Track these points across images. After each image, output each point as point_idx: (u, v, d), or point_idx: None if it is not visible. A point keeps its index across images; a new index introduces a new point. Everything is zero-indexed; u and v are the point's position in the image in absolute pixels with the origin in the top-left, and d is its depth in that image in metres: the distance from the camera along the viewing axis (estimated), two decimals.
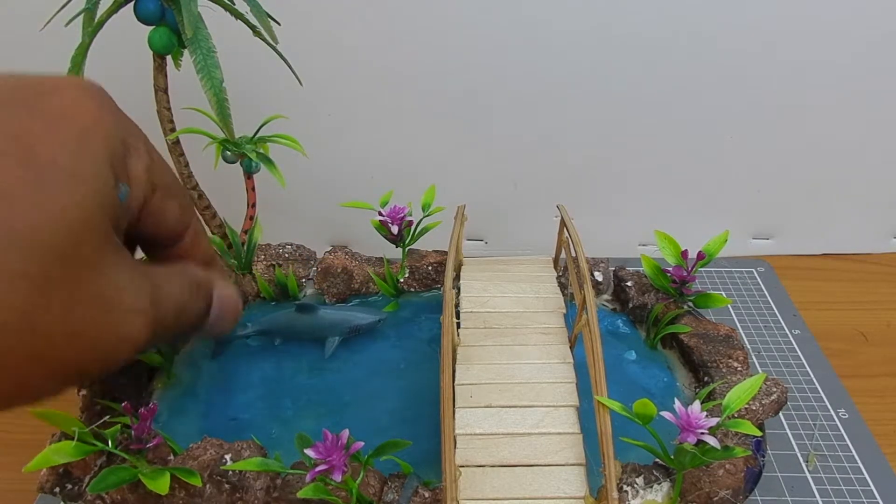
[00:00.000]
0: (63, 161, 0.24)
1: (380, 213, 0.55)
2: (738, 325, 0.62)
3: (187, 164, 0.50)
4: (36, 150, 0.23)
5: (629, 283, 0.55)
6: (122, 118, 0.28)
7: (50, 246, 0.23)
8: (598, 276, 0.56)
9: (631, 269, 0.56)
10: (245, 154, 0.50)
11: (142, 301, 0.28)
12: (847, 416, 0.52)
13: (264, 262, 0.57)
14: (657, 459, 0.38)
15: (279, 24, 0.47)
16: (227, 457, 0.38)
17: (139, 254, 0.32)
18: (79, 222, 0.24)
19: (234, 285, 0.37)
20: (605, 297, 0.57)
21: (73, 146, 0.24)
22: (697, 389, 0.47)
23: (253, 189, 0.54)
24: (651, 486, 0.38)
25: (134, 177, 0.28)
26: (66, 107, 0.25)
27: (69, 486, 0.39)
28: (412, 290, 0.58)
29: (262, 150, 0.51)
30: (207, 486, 0.37)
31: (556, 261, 0.57)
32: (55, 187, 0.23)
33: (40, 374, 0.25)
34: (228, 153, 0.50)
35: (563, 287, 0.53)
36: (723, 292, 0.66)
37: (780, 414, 0.51)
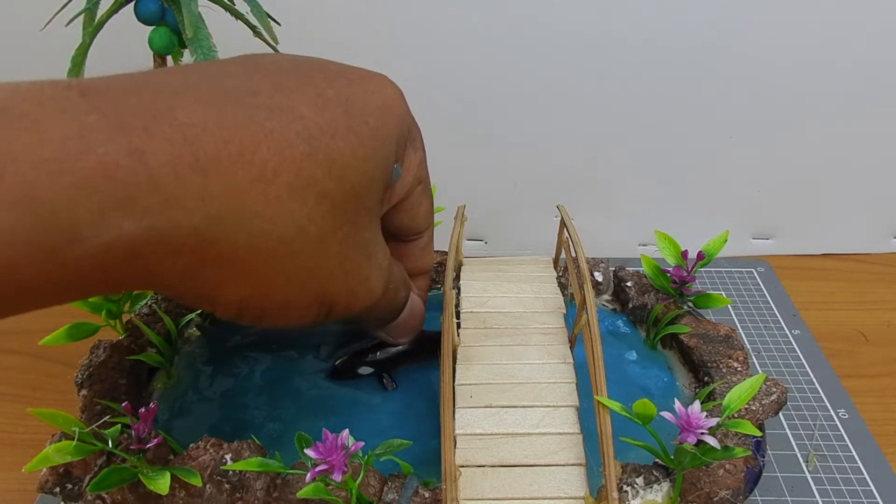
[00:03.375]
0: (372, 122, 0.28)
1: None
2: (738, 326, 0.62)
3: None
4: (355, 108, 0.28)
5: (629, 283, 0.55)
6: (410, 114, 0.32)
7: (352, 182, 0.27)
8: (598, 276, 0.56)
9: (631, 269, 0.56)
10: None
11: (385, 266, 0.31)
12: (847, 416, 0.52)
13: None
14: (657, 459, 0.38)
15: (279, 24, 0.47)
16: (227, 457, 0.38)
17: None
18: (371, 174, 0.28)
19: (422, 303, 0.41)
20: (605, 297, 0.57)
21: (379, 115, 0.28)
22: (697, 389, 0.47)
23: None
24: (651, 486, 0.38)
25: (407, 164, 0.31)
26: (377, 86, 0.30)
27: (69, 486, 0.39)
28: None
29: None
30: (207, 486, 0.37)
31: (556, 261, 0.57)
32: (363, 139, 0.27)
33: (309, 294, 0.28)
34: None
35: (563, 287, 0.53)
36: (723, 292, 0.66)
37: (780, 414, 0.51)
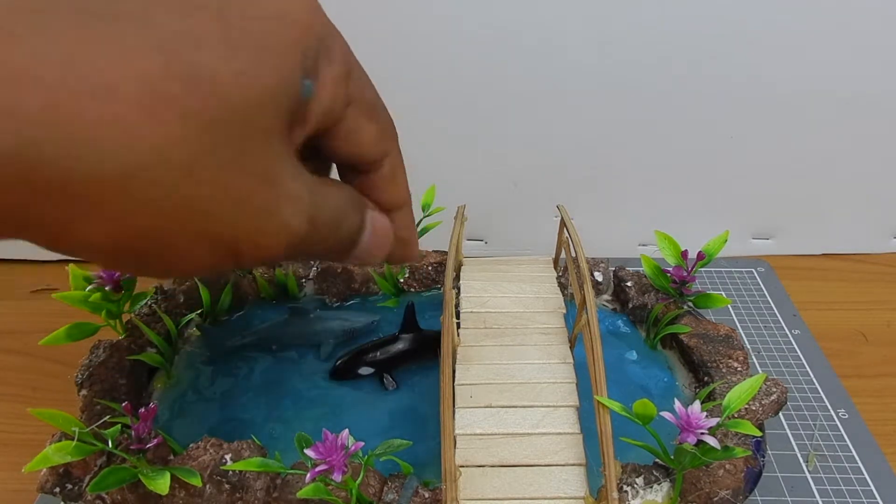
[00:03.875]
0: (256, 31, 0.24)
1: None
2: (738, 325, 0.62)
3: None
4: (233, 14, 0.23)
5: (629, 283, 0.55)
6: (326, 22, 0.28)
7: (226, 98, 0.23)
8: (598, 276, 0.56)
9: (631, 269, 0.56)
10: None
11: (304, 194, 0.27)
12: (847, 416, 0.52)
13: None
14: (657, 459, 0.38)
15: None
16: (227, 457, 0.38)
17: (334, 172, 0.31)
18: (256, 90, 0.24)
19: (387, 219, 0.35)
20: (605, 297, 0.57)
21: (269, 23, 0.24)
22: (697, 389, 0.47)
23: None
24: (651, 486, 0.38)
25: (323, 79, 0.27)
26: None
27: (69, 486, 0.39)
28: (412, 289, 0.58)
29: None
30: (207, 486, 0.37)
31: (556, 261, 0.57)
32: (239, 50, 0.23)
33: (190, 231, 0.25)
34: None
35: (563, 287, 0.53)
36: (723, 292, 0.66)
37: (780, 414, 0.51)
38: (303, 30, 0.26)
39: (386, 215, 0.34)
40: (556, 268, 0.56)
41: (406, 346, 0.50)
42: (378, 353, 0.49)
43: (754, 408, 0.42)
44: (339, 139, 0.30)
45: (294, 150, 0.27)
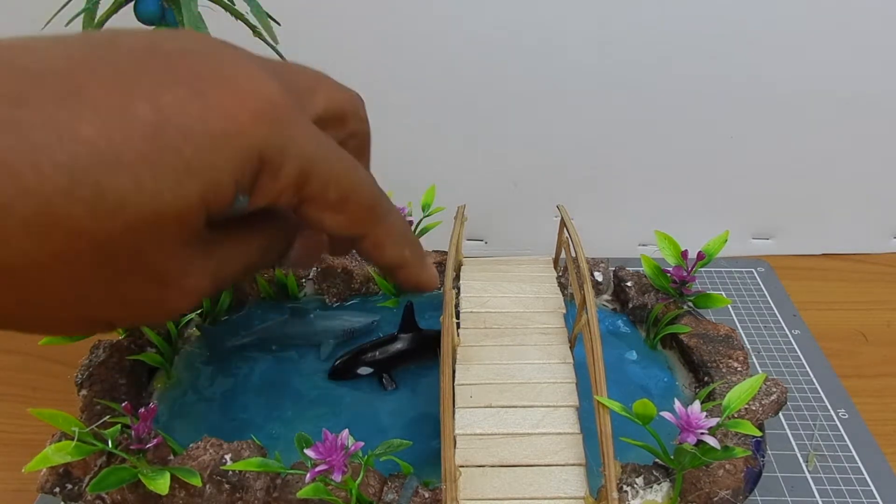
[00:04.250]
0: (188, 152, 0.23)
1: None
2: (738, 325, 0.62)
3: None
4: (170, 132, 0.22)
5: (629, 283, 0.55)
6: (276, 136, 0.26)
7: (131, 219, 0.22)
8: (598, 276, 0.56)
9: (631, 269, 0.56)
10: None
11: (202, 283, 0.27)
12: (847, 416, 0.52)
13: None
14: (657, 459, 0.38)
15: (279, 24, 0.47)
16: (227, 457, 0.38)
17: None
18: (169, 214, 0.23)
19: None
20: (605, 297, 0.57)
21: (207, 142, 0.23)
22: (697, 389, 0.47)
23: None
24: (651, 487, 0.38)
25: (261, 192, 0.26)
26: (230, 102, 0.24)
27: (69, 486, 0.39)
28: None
29: None
30: (207, 486, 0.37)
31: (556, 261, 0.57)
32: (162, 171, 0.22)
33: (72, 315, 0.24)
34: None
35: (563, 287, 0.53)
36: (723, 292, 0.66)
37: (780, 414, 0.51)
38: (245, 148, 0.24)
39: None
40: (556, 268, 0.56)
41: (405, 346, 0.50)
42: (377, 353, 0.49)
43: (754, 408, 0.42)
44: (302, 218, 0.29)
45: (205, 236, 0.26)
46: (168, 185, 0.22)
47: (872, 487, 0.46)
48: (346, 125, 0.32)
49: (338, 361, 0.50)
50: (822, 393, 0.54)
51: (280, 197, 0.27)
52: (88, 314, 0.25)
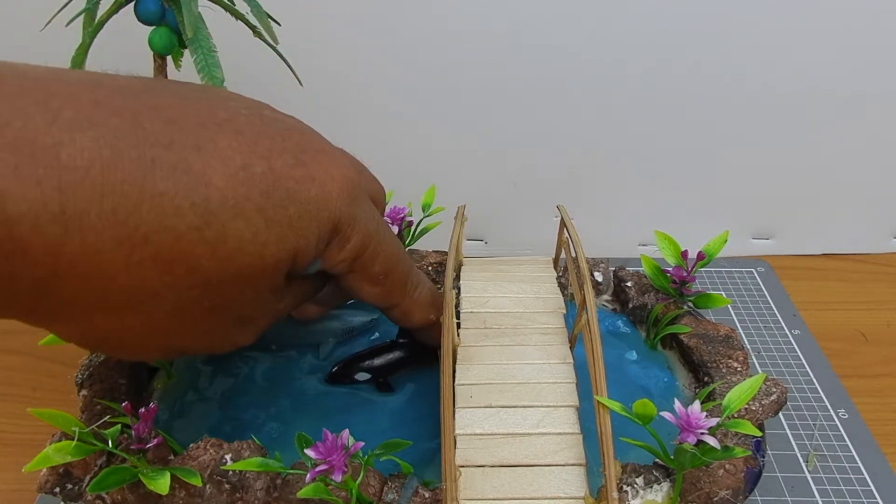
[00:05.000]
0: (293, 211, 0.26)
1: None
2: (738, 326, 0.62)
3: None
4: (280, 192, 0.26)
5: (629, 283, 0.55)
6: (349, 208, 0.29)
7: (241, 264, 0.25)
8: (598, 276, 0.56)
9: (631, 269, 0.56)
10: None
11: (268, 324, 0.31)
12: (847, 416, 0.52)
13: None
14: (657, 459, 0.38)
15: (279, 24, 0.47)
16: (227, 457, 0.38)
17: None
18: (269, 261, 0.26)
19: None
20: (605, 297, 0.57)
21: (306, 206, 0.27)
22: (697, 389, 0.47)
23: None
24: (651, 487, 0.38)
25: (328, 258, 0.30)
26: (324, 176, 0.27)
27: (69, 486, 0.39)
28: None
29: None
30: (207, 486, 0.37)
31: (556, 261, 0.57)
32: (272, 225, 0.25)
33: (161, 342, 0.28)
34: None
35: (563, 287, 0.53)
36: (723, 292, 0.66)
37: (780, 414, 0.51)
38: (330, 216, 0.28)
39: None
40: (556, 268, 0.56)
41: (403, 353, 0.50)
42: (375, 360, 0.49)
43: (754, 408, 0.42)
44: (341, 285, 0.34)
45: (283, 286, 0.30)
46: (274, 238, 0.25)
47: (872, 487, 0.46)
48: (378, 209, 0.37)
49: (335, 367, 0.50)
50: (822, 393, 0.54)
51: (340, 265, 0.31)
52: (173, 343, 0.28)
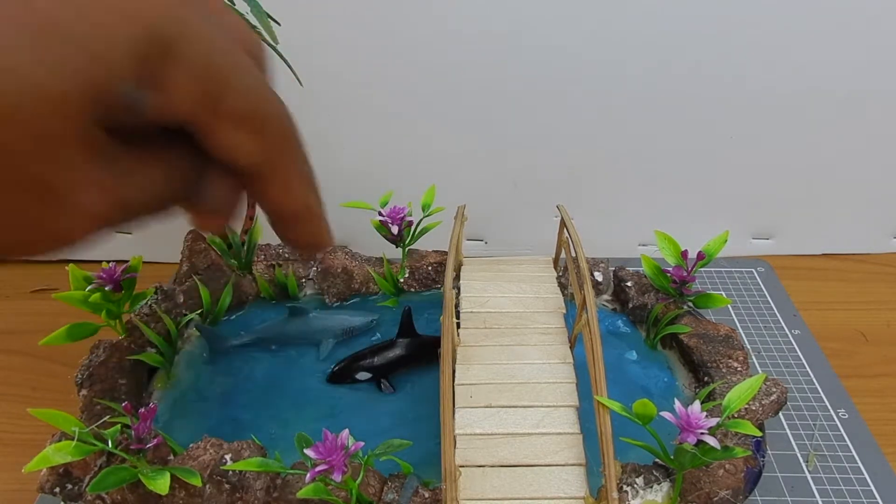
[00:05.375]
0: (76, 28, 0.21)
1: (380, 213, 0.55)
2: (738, 325, 0.62)
3: None
4: (59, 5, 0.20)
5: (629, 283, 0.55)
6: (184, 10, 0.23)
7: (6, 104, 0.19)
8: (598, 276, 0.56)
9: (631, 269, 0.56)
10: None
11: (99, 202, 0.23)
12: (847, 416, 0.52)
13: (264, 263, 0.57)
14: (657, 459, 0.38)
15: (279, 24, 0.47)
16: (227, 457, 0.38)
17: None
18: (50, 98, 0.20)
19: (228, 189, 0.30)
20: (605, 297, 0.57)
21: (97, 18, 0.21)
22: (697, 389, 0.47)
23: None
24: (651, 487, 0.38)
25: (162, 87, 0.23)
26: None
27: (69, 487, 0.39)
28: (412, 289, 0.58)
29: None
30: (207, 486, 0.37)
31: (556, 261, 0.57)
32: (47, 48, 0.20)
33: None
34: None
35: (563, 287, 0.53)
36: (723, 292, 0.66)
37: (780, 414, 0.51)
38: (141, 32, 0.22)
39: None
40: (556, 268, 0.56)
41: (403, 352, 0.50)
42: (375, 359, 0.49)
43: (754, 408, 0.42)
44: (208, 145, 0.26)
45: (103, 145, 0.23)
46: (49, 66, 0.20)
47: (872, 487, 0.46)
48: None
49: (336, 366, 0.50)
50: (822, 393, 0.54)
51: (185, 99, 0.24)
52: None
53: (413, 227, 0.56)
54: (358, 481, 0.35)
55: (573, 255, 0.49)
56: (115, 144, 0.23)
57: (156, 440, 0.37)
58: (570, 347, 0.45)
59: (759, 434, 0.38)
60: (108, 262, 0.47)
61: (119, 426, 0.37)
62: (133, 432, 0.37)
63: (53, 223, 0.23)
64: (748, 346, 0.57)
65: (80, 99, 0.21)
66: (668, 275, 0.51)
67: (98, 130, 0.22)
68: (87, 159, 0.23)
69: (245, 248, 0.55)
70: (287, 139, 0.28)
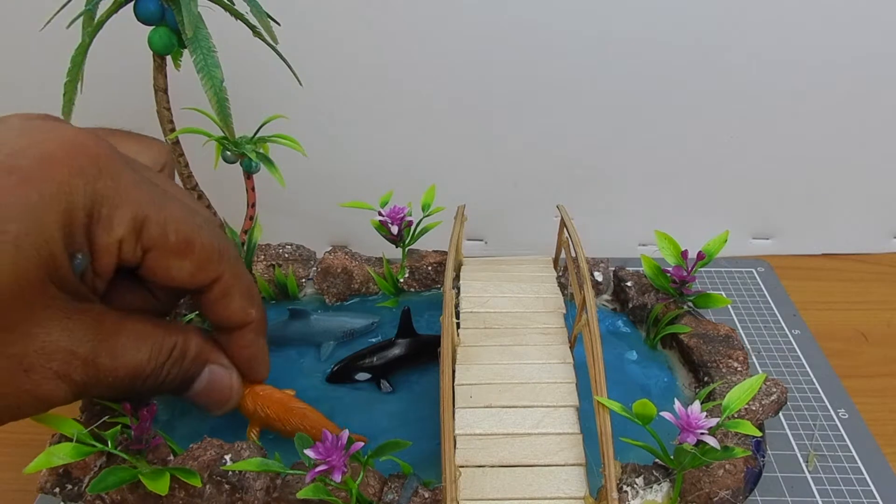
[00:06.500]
0: (14, 229, 0.23)
1: (380, 213, 0.55)
2: (738, 325, 0.62)
3: (187, 165, 0.50)
4: None
5: (629, 283, 0.55)
6: (102, 182, 0.25)
7: None
8: (598, 276, 0.56)
9: (631, 269, 0.56)
10: (245, 154, 0.50)
11: (70, 367, 0.27)
12: (847, 416, 0.52)
13: (264, 262, 0.57)
14: (657, 460, 0.38)
15: (279, 24, 0.47)
16: (227, 457, 0.38)
17: None
18: (8, 288, 0.23)
19: (236, 374, 0.37)
20: (605, 297, 0.57)
21: (26, 213, 0.23)
22: (697, 389, 0.47)
23: (253, 189, 0.54)
24: (651, 487, 0.38)
25: (101, 247, 0.26)
26: (37, 169, 0.24)
27: (69, 487, 0.39)
28: (412, 290, 0.58)
29: (262, 150, 0.51)
30: (207, 486, 0.37)
31: (556, 261, 0.57)
32: None
33: None
34: (228, 153, 0.50)
35: (563, 287, 0.53)
36: (723, 292, 0.66)
37: (780, 414, 0.51)
38: (63, 212, 0.24)
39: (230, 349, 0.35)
40: (556, 268, 0.56)
41: (402, 352, 0.50)
42: (374, 359, 0.49)
43: (754, 408, 0.42)
44: (147, 276, 0.29)
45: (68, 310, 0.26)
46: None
47: (872, 487, 0.46)
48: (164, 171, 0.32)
49: (335, 366, 0.50)
50: (822, 393, 0.54)
51: (123, 249, 0.27)
52: None
53: (413, 227, 0.56)
54: (358, 481, 0.35)
55: (573, 255, 0.49)
56: (84, 317, 0.27)
57: (156, 440, 0.37)
58: (570, 347, 0.45)
59: (759, 434, 0.38)
60: None
61: (119, 426, 0.37)
62: (133, 432, 0.37)
63: (32, 387, 0.26)
64: (748, 346, 0.57)
65: (31, 281, 0.24)
66: (668, 275, 0.51)
67: (60, 300, 0.25)
68: (53, 326, 0.26)
69: (245, 248, 0.55)
70: (220, 252, 0.32)
